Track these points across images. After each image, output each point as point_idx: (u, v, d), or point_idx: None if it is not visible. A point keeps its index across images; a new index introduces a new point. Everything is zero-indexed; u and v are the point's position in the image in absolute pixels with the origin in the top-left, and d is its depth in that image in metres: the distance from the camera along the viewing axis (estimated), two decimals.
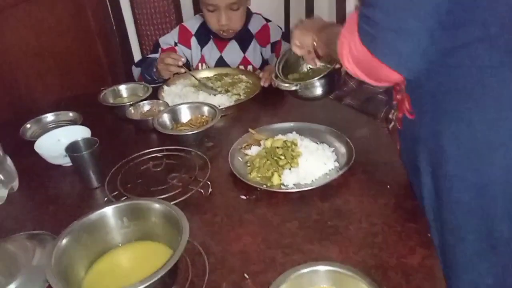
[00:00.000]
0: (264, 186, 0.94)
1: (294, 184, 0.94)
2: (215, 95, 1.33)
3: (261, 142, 1.07)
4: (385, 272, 0.73)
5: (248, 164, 1.02)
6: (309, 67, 1.16)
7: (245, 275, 0.74)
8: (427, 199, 0.77)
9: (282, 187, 0.94)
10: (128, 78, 2.03)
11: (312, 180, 0.95)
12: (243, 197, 0.93)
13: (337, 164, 0.99)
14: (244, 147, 1.08)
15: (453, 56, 0.66)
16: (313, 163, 0.98)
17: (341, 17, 1.79)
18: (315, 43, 0.97)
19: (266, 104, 1.34)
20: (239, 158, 1.05)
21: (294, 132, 1.10)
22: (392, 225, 0.82)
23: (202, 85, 1.38)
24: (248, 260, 0.77)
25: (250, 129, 1.11)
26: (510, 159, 0.65)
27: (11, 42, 1.52)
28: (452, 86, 0.68)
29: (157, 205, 0.74)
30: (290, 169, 0.97)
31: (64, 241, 0.69)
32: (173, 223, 0.72)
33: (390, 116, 0.91)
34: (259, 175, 0.98)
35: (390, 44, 0.64)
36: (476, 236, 0.70)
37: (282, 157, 0.99)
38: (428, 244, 0.78)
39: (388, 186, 0.92)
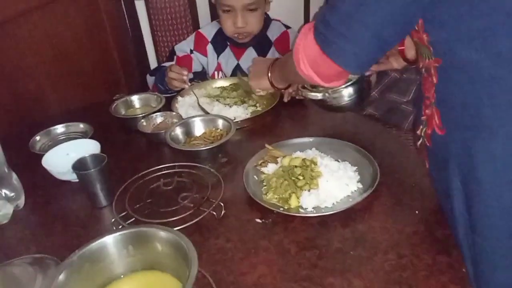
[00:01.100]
0: (281, 209, 0.87)
1: (313, 208, 0.87)
2: (231, 106, 1.27)
3: (278, 160, 1.00)
4: None
5: (264, 184, 0.96)
6: None
7: None
8: (460, 224, 0.71)
9: (301, 210, 0.87)
10: (144, 87, 1.99)
11: (333, 204, 0.88)
12: (259, 220, 0.87)
13: (360, 186, 0.92)
14: (261, 164, 1.01)
15: None
16: (334, 184, 0.90)
17: None
18: (271, 79, 1.10)
19: (285, 116, 1.28)
20: (255, 177, 0.98)
21: (313, 149, 1.03)
22: (422, 258, 0.74)
23: (200, 108, 1.28)
24: None
25: (266, 145, 1.05)
26: None
27: (24, 50, 1.49)
28: (485, 99, 0.64)
29: (163, 233, 0.68)
30: (309, 190, 0.90)
31: (64, 273, 0.64)
32: (181, 254, 0.65)
33: (418, 132, 0.83)
34: (275, 196, 0.91)
35: (339, 47, 0.71)
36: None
37: (301, 177, 0.92)
38: (463, 280, 0.70)
39: (417, 212, 0.85)
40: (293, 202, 0.88)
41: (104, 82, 1.93)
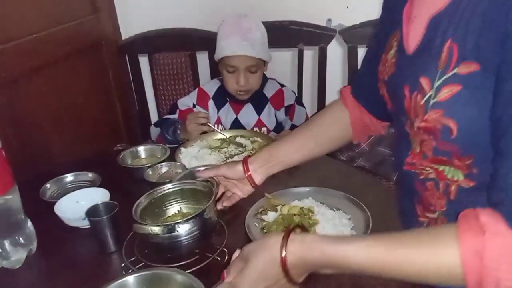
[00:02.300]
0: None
1: None
2: (233, 157, 1.36)
3: (278, 208, 1.07)
4: None
5: (265, 231, 1.02)
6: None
7: None
8: None
9: None
10: (144, 137, 2.08)
11: None
12: None
13: (354, 232, 0.99)
14: (261, 212, 1.08)
15: None
16: (330, 231, 0.97)
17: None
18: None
19: None
20: (256, 224, 1.05)
21: (310, 198, 1.10)
22: None
23: (232, 141, 1.46)
24: None
25: (266, 194, 1.12)
26: None
27: (34, 103, 1.58)
28: None
29: (178, 276, 0.73)
30: None
31: None
32: None
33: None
34: None
35: None
36: None
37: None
38: None
39: None
40: None
41: (106, 132, 2.02)
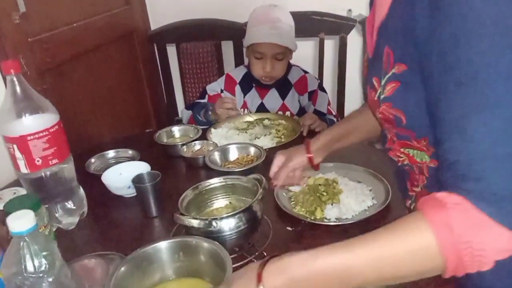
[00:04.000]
0: (309, 219, 1.02)
1: (336, 218, 1.03)
2: (259, 137, 1.46)
3: (304, 180, 1.15)
4: None
5: (293, 200, 1.12)
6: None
7: None
8: None
9: (325, 220, 1.03)
10: (170, 123, 2.20)
11: (352, 216, 1.03)
12: (289, 228, 1.02)
13: (375, 202, 1.08)
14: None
15: None
16: (352, 199, 1.07)
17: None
18: None
19: None
20: (284, 194, 1.14)
21: (333, 172, 1.20)
22: None
23: (259, 123, 1.58)
24: None
25: None
26: None
27: (75, 88, 1.70)
28: None
29: (206, 244, 0.80)
30: (332, 204, 1.06)
31: (126, 266, 0.77)
32: (219, 263, 0.76)
33: (408, 205, 0.90)
34: (303, 210, 1.07)
35: None
36: None
37: (325, 193, 1.08)
38: None
39: None
40: (319, 214, 1.04)
41: (136, 117, 2.14)
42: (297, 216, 1.03)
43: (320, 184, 1.11)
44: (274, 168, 1.09)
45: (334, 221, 1.02)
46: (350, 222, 1.01)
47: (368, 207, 1.07)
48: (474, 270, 0.53)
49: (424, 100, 0.65)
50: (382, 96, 0.72)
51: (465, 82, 0.54)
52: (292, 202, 1.11)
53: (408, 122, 0.70)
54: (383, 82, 0.72)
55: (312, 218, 1.03)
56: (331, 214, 1.04)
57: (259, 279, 0.60)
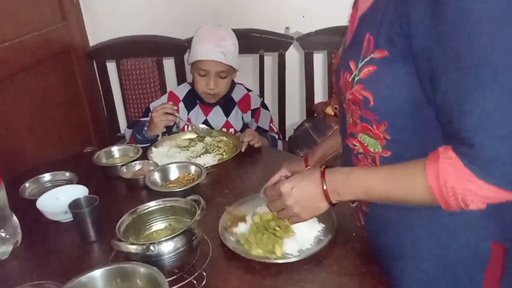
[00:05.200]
0: (273, 259, 0.95)
1: (297, 251, 0.98)
2: (200, 156, 1.48)
3: (247, 218, 1.08)
4: None
5: (242, 242, 1.02)
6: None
7: None
8: None
9: (287, 256, 0.97)
10: (112, 140, 2.17)
11: (311, 245, 0.99)
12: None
13: (320, 221, 1.05)
14: (229, 226, 1.08)
15: None
16: (304, 226, 1.01)
17: (310, 92, 2.02)
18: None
19: (246, 161, 1.49)
20: (231, 238, 1.05)
21: (262, 206, 1.09)
22: None
23: (201, 140, 1.62)
24: None
25: (226, 207, 1.12)
26: None
27: (9, 107, 1.63)
28: None
29: (142, 269, 0.80)
30: (288, 238, 1.00)
31: None
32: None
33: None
34: (260, 251, 0.99)
35: None
36: None
37: (278, 228, 1.01)
38: None
39: None
40: (278, 251, 0.97)
41: (76, 136, 2.08)
42: (258, 259, 0.96)
43: (269, 220, 1.04)
44: (276, 178, 1.14)
45: (298, 255, 0.97)
46: (313, 252, 0.97)
47: (318, 231, 1.04)
48: (459, 208, 0.70)
49: (397, 84, 0.75)
50: (356, 78, 0.79)
51: (464, 65, 0.65)
52: (244, 245, 1.02)
53: (375, 104, 0.78)
54: (360, 65, 0.79)
55: (275, 257, 0.96)
56: (292, 247, 0.99)
57: (323, 175, 0.86)
